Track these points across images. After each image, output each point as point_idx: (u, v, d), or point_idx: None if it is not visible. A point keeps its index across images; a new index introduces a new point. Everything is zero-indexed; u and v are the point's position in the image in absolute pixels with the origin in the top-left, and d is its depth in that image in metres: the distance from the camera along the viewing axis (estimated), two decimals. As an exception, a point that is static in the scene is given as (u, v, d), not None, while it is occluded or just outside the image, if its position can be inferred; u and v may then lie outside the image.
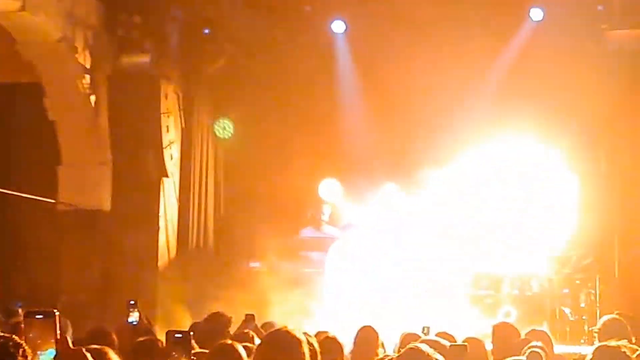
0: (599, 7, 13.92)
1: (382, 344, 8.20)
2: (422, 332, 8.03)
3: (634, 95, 13.15)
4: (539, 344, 7.22)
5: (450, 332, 8.07)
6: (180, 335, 5.01)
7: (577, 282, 14.69)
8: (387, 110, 15.50)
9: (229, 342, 5.61)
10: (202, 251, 15.64)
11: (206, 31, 14.65)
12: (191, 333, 5.18)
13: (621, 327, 7.75)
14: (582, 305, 14.40)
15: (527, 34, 14.70)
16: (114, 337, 7.06)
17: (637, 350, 6.66)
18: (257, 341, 6.90)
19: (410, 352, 5.27)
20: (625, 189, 13.77)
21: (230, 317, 8.71)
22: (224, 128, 15.83)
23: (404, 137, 15.53)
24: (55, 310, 3.69)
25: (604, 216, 14.35)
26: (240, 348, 5.39)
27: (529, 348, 7.03)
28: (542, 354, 6.94)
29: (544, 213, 15.21)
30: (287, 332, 4.84)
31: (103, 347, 5.31)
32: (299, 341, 4.78)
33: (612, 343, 6.22)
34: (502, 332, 8.04)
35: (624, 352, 6.03)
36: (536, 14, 14.57)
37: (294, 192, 15.35)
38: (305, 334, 4.92)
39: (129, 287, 13.13)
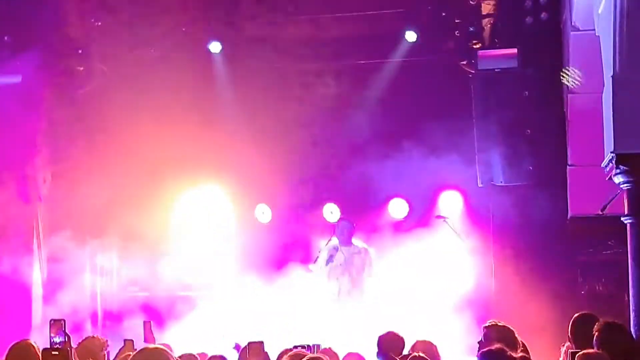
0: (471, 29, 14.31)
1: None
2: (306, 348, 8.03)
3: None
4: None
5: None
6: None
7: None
8: (263, 130, 15.53)
9: None
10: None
11: (79, 51, 14.40)
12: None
13: (506, 333, 7.93)
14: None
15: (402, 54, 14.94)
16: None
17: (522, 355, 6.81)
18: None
19: None
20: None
21: (106, 340, 8.68)
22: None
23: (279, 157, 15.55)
24: None
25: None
26: None
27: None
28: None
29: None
30: (156, 349, 4.98)
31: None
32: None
33: (493, 347, 6.35)
34: (389, 341, 8.18)
35: (507, 354, 6.12)
36: (410, 35, 14.84)
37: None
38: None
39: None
